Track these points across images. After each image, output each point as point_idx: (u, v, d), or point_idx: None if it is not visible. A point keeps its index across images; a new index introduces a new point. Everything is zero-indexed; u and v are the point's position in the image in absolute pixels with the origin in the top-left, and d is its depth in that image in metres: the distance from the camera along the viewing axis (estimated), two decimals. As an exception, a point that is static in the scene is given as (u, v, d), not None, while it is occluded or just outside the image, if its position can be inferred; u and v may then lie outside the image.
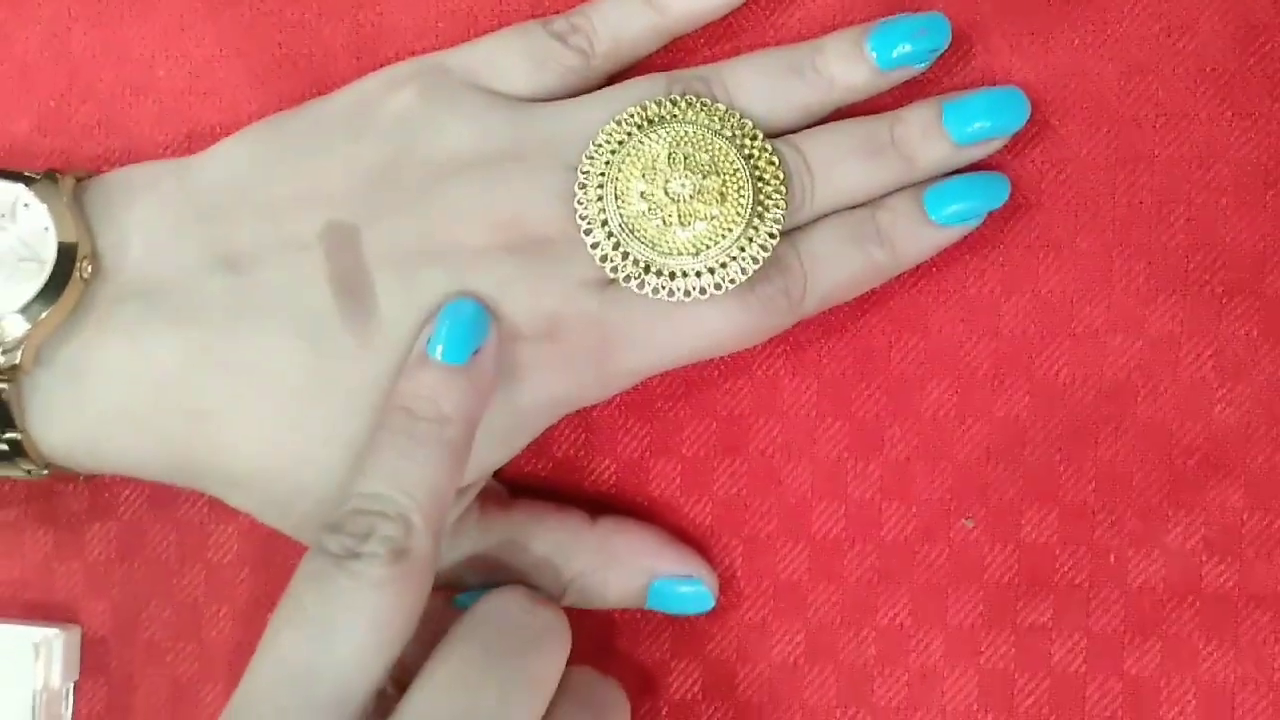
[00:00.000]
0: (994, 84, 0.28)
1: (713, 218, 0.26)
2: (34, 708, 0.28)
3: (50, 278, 0.25)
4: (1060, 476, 0.28)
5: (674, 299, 0.26)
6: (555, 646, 0.24)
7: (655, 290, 0.26)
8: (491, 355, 0.25)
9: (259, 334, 0.25)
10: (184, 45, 0.30)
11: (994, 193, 0.28)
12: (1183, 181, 0.28)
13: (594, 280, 0.26)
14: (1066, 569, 0.28)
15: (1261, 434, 0.28)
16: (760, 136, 0.27)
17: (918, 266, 0.28)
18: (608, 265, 0.26)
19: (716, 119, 0.27)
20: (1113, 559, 0.28)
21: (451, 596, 0.27)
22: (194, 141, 0.29)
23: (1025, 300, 0.29)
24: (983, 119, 0.27)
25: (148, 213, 0.26)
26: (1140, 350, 0.28)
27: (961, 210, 0.27)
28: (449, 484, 0.24)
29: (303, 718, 0.22)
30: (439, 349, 0.24)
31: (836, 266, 0.27)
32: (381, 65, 0.28)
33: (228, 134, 0.28)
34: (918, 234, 0.27)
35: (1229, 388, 0.28)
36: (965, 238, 0.28)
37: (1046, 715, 0.28)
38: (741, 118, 0.27)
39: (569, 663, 0.25)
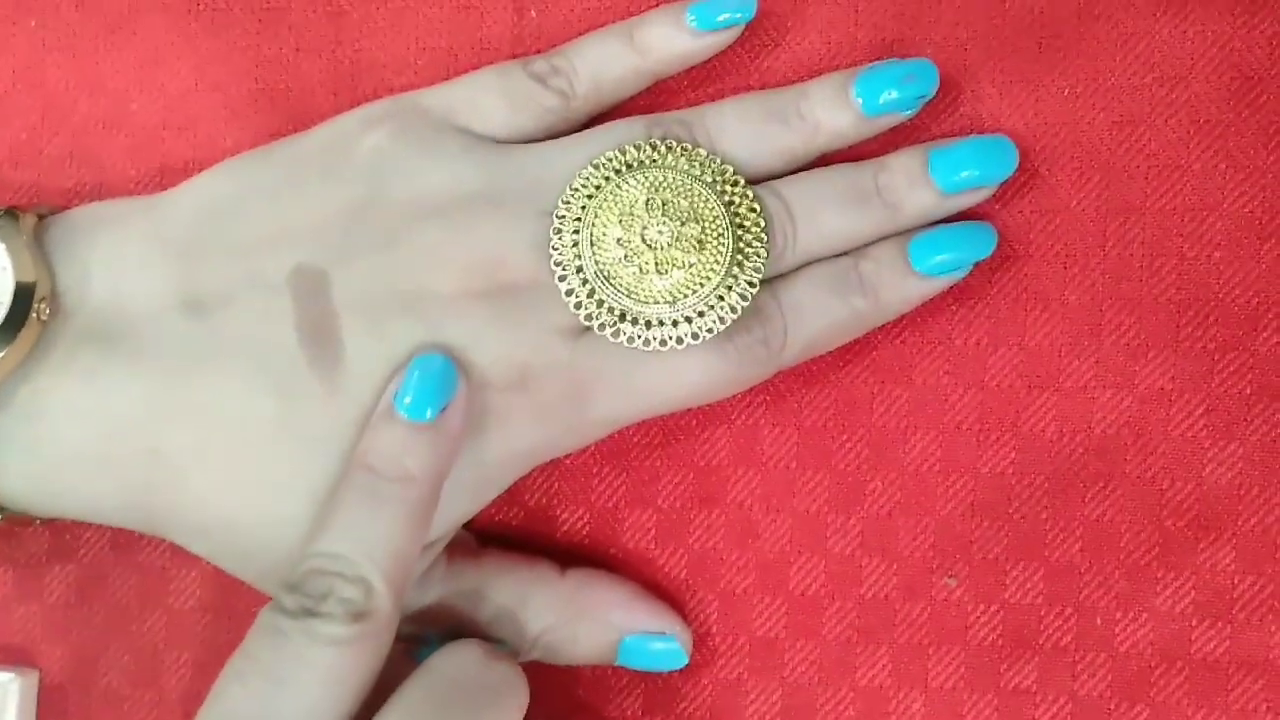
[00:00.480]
0: (982, 132, 0.28)
1: (691, 265, 0.26)
2: (-12, 753, 0.27)
3: (6, 318, 0.24)
4: (1046, 535, 0.28)
5: (650, 348, 0.25)
6: (511, 702, 0.24)
7: (631, 339, 0.25)
8: (460, 411, 0.24)
9: (222, 378, 0.25)
10: (159, 79, 0.29)
11: (980, 243, 0.27)
12: (1174, 234, 0.28)
13: (568, 328, 0.25)
14: (1051, 630, 0.28)
15: (1254, 495, 0.27)
16: (741, 183, 0.26)
17: (902, 316, 0.28)
18: (582, 313, 0.25)
19: (697, 164, 0.26)
20: (1099, 621, 0.28)
21: (411, 647, 0.26)
22: (166, 176, 0.29)
23: (1012, 353, 0.28)
24: (970, 167, 0.27)
25: (112, 250, 0.26)
26: (1130, 406, 0.28)
27: (947, 261, 0.27)
28: (413, 544, 0.23)
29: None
30: (405, 403, 0.24)
31: (818, 316, 0.26)
32: (359, 102, 0.28)
33: (201, 169, 0.27)
34: (902, 284, 0.27)
35: (1221, 446, 0.27)
36: (951, 288, 0.27)
37: (1030, 781, 0.27)
38: (722, 163, 0.26)
39: (531, 718, 0.24)
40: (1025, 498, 0.28)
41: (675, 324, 0.25)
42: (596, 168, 0.26)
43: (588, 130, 0.27)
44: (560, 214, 0.26)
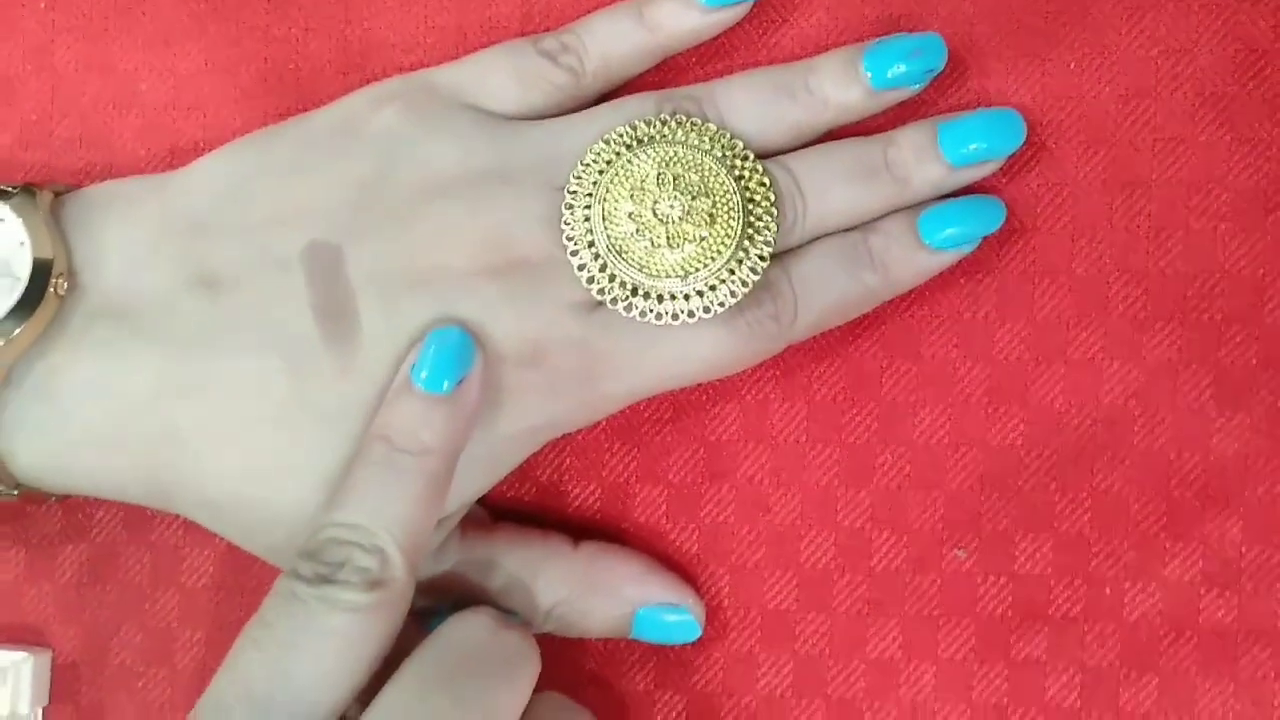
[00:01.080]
0: (990, 106, 0.28)
1: (702, 239, 0.26)
2: (2, 733, 0.28)
3: (24, 294, 0.24)
4: (1055, 506, 0.28)
5: (661, 322, 0.26)
6: (522, 671, 0.24)
7: (642, 313, 0.25)
8: (476, 384, 0.24)
9: (236, 356, 0.25)
10: (169, 59, 0.29)
11: (989, 217, 0.27)
12: (1181, 206, 0.28)
13: (580, 303, 0.26)
14: (1061, 601, 0.28)
15: (1261, 465, 0.28)
16: (751, 157, 0.26)
17: (911, 290, 0.28)
18: (594, 287, 0.25)
19: (707, 139, 0.26)
20: (1109, 591, 0.28)
21: (423, 619, 0.26)
22: (177, 157, 0.29)
23: (1020, 325, 0.28)
24: (978, 140, 0.27)
25: (126, 229, 0.26)
26: (1137, 378, 0.28)
27: (956, 234, 0.27)
28: (428, 516, 0.23)
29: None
30: (422, 376, 0.24)
31: (828, 290, 0.27)
32: (368, 81, 0.28)
33: (211, 149, 0.27)
34: (911, 258, 0.27)
35: (1228, 417, 0.28)
36: (959, 261, 0.28)
37: (1040, 751, 0.28)
38: (732, 138, 0.26)
39: (542, 689, 0.24)
40: (1034, 469, 0.28)
41: (687, 298, 0.26)
42: (607, 143, 0.26)
43: (598, 106, 0.27)
44: (572, 189, 0.26)
